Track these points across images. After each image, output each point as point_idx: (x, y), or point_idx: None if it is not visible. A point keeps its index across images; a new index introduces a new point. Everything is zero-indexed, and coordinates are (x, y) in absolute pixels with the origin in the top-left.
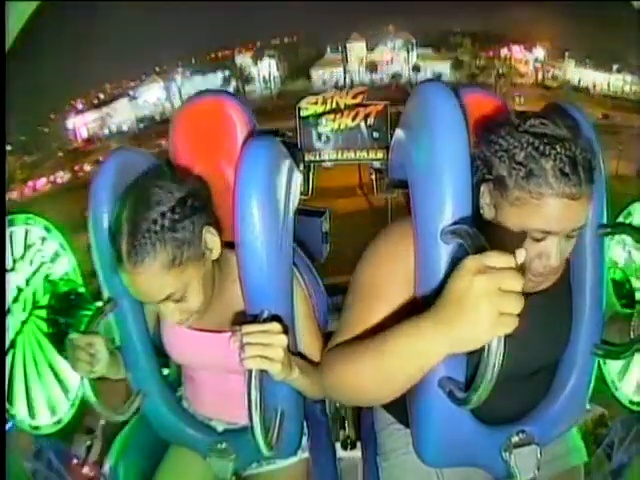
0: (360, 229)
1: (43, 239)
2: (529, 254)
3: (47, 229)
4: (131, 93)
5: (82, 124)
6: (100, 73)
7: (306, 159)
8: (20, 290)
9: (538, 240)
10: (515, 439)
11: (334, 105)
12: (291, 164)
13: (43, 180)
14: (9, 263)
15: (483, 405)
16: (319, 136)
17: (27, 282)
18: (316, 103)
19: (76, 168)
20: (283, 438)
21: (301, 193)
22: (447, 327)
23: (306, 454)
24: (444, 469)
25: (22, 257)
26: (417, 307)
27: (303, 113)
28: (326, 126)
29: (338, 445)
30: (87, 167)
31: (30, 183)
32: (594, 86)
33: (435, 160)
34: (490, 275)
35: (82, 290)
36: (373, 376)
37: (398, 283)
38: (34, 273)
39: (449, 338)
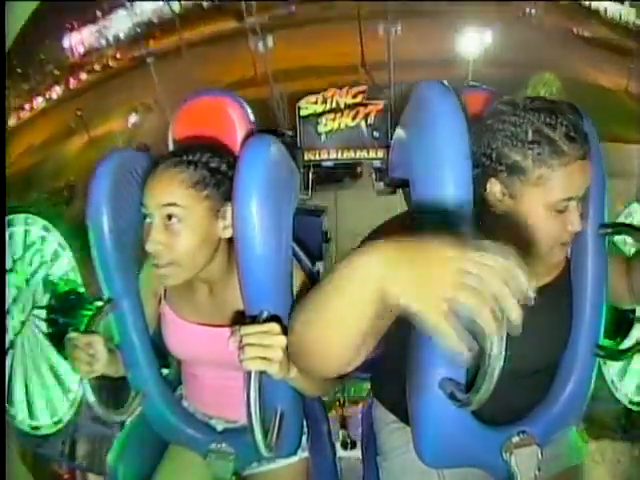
0: None
1: (42, 239)
2: (556, 228)
3: (46, 229)
4: (127, 3)
5: (78, 41)
6: None
7: (306, 158)
8: (20, 290)
9: (561, 211)
10: (516, 439)
11: (334, 104)
12: (291, 163)
13: (39, 99)
14: (9, 263)
15: (483, 405)
16: (319, 135)
17: (27, 282)
18: (316, 102)
19: (71, 80)
20: (283, 438)
21: (301, 193)
22: (393, 263)
23: (306, 454)
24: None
25: (22, 257)
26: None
27: (303, 112)
28: (326, 125)
29: (338, 445)
30: (83, 75)
31: (27, 106)
32: (605, 12)
33: (435, 159)
34: (476, 266)
35: (82, 290)
36: (312, 324)
37: None
38: (34, 273)
39: (388, 272)
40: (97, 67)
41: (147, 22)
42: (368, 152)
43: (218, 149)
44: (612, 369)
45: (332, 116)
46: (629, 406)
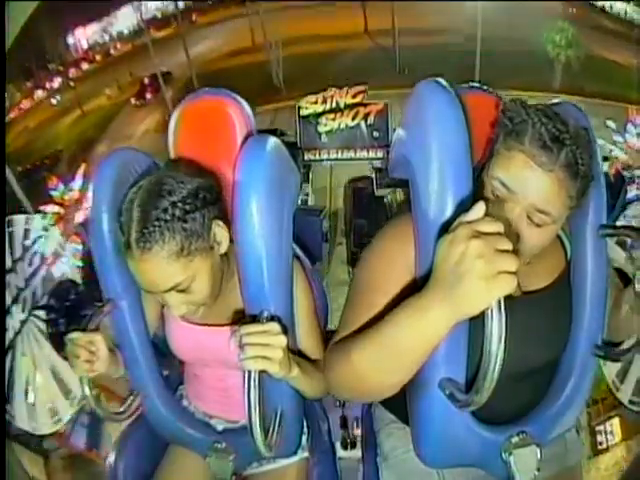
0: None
1: (42, 239)
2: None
3: (46, 229)
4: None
5: (82, 37)
6: None
7: (306, 158)
8: (20, 290)
9: (498, 197)
10: (515, 440)
11: (334, 104)
12: (291, 163)
13: (39, 92)
14: (8, 264)
15: (483, 405)
16: (319, 135)
17: (26, 282)
18: (316, 102)
19: (72, 70)
20: (283, 438)
21: (301, 192)
22: (448, 294)
23: (306, 454)
24: (444, 469)
25: (21, 257)
26: None
27: (303, 112)
28: (326, 125)
29: (338, 445)
30: (84, 66)
31: (28, 99)
32: (611, 8)
33: (435, 159)
34: (484, 237)
35: (81, 290)
36: (379, 361)
37: (397, 277)
38: (33, 273)
39: (451, 305)
40: (98, 57)
41: (151, 18)
42: (368, 152)
43: (175, 180)
44: (612, 369)
45: (332, 116)
46: (629, 406)
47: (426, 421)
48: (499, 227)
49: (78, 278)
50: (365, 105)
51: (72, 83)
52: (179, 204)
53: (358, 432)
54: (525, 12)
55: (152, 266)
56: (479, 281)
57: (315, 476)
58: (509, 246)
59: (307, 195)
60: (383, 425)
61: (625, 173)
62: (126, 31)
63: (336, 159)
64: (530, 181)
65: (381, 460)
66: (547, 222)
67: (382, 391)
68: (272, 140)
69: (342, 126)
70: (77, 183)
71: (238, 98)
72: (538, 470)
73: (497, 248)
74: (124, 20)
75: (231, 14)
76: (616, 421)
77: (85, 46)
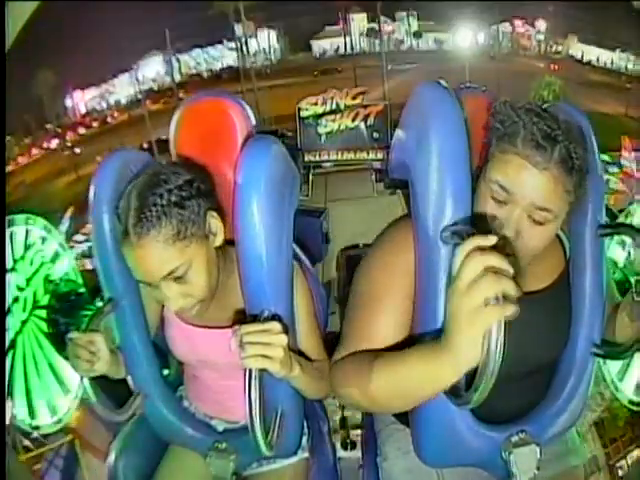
0: None
1: (43, 239)
2: (489, 213)
3: (47, 229)
4: (131, 69)
5: (80, 101)
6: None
7: (306, 160)
8: (20, 290)
9: (499, 202)
10: (515, 439)
11: (334, 106)
12: (291, 164)
13: (34, 150)
14: (9, 263)
15: (483, 405)
16: (319, 137)
17: (27, 282)
18: (316, 104)
19: (69, 133)
20: (283, 438)
21: (300, 193)
22: (452, 350)
23: (306, 454)
24: (444, 469)
25: (22, 257)
26: (417, 307)
27: (303, 114)
28: (326, 127)
29: (338, 445)
30: (81, 130)
31: (25, 155)
32: (597, 60)
33: (434, 160)
34: (455, 287)
35: (82, 290)
36: (391, 394)
37: (399, 285)
38: (34, 273)
39: (456, 359)
40: (95, 124)
41: (147, 90)
42: (368, 153)
43: (170, 171)
44: (612, 369)
45: (332, 117)
46: (629, 406)
47: (426, 420)
48: (460, 257)
49: (79, 278)
50: (365, 106)
51: (69, 144)
52: (175, 190)
53: (358, 432)
54: (512, 72)
55: (149, 251)
56: (465, 329)
57: (315, 476)
58: (491, 262)
59: (307, 196)
60: (384, 426)
61: (621, 216)
62: (123, 100)
63: (336, 160)
64: (527, 181)
65: (381, 460)
66: (549, 219)
67: (391, 411)
68: (272, 141)
69: (342, 127)
70: (64, 225)
71: (238, 99)
72: (538, 469)
73: (467, 284)
74: (121, 89)
75: (226, 91)
76: (636, 453)
77: (83, 111)
